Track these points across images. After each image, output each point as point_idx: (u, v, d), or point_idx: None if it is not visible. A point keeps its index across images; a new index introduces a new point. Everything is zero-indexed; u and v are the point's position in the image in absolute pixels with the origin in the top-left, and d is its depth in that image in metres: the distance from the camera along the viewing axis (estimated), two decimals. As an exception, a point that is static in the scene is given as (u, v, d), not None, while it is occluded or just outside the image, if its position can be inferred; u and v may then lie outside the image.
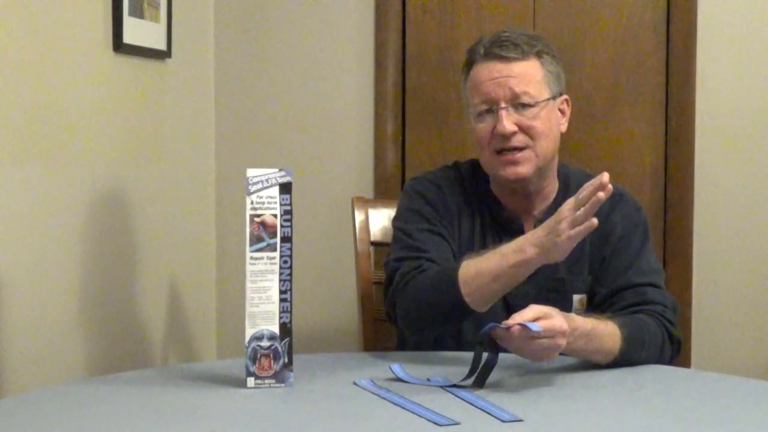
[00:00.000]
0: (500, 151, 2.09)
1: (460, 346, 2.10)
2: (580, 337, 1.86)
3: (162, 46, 2.87)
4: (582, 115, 3.07)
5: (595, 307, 2.09)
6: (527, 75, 2.09)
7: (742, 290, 3.05)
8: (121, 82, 2.71)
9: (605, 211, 2.15)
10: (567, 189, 2.16)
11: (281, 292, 1.78)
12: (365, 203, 2.53)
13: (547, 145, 2.10)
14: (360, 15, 3.17)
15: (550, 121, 2.11)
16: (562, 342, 1.80)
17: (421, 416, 1.60)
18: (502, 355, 1.81)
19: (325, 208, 3.20)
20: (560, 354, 1.83)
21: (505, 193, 2.17)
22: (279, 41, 3.22)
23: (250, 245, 1.77)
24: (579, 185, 2.17)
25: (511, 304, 2.09)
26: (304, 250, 2.96)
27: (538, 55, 2.11)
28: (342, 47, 3.20)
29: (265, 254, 1.77)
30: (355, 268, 2.51)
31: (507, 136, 2.07)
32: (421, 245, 2.10)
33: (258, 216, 1.77)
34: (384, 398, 1.71)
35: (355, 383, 1.81)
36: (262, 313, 1.77)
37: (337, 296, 3.21)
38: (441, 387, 1.78)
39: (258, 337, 1.77)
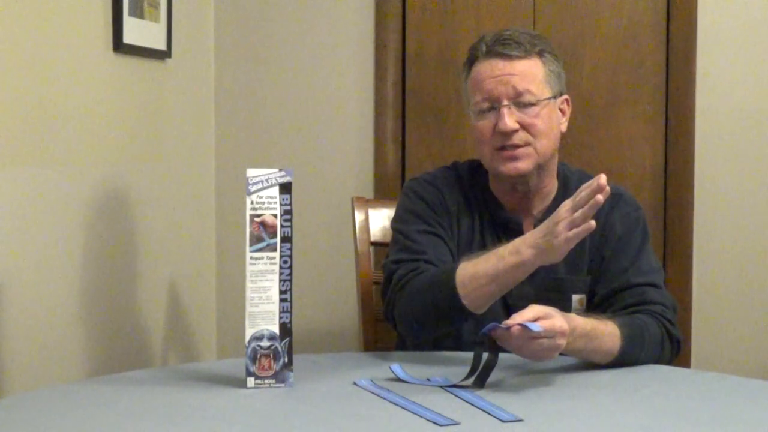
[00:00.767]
0: (500, 148, 2.09)
1: (459, 347, 2.10)
2: (580, 337, 1.86)
3: (162, 46, 2.87)
4: (582, 115, 3.07)
5: (594, 307, 2.09)
6: (529, 73, 2.09)
7: (742, 290, 3.05)
8: (121, 82, 2.71)
9: (604, 211, 2.15)
10: (566, 189, 2.16)
11: (281, 292, 1.78)
12: (365, 203, 2.53)
13: (548, 143, 2.11)
14: (360, 15, 3.17)
15: (551, 119, 2.11)
16: (562, 342, 1.80)
17: (421, 416, 1.60)
18: (502, 355, 1.81)
19: (325, 208, 3.20)
20: (560, 354, 1.83)
21: (504, 193, 2.17)
22: (279, 41, 3.22)
23: (250, 245, 1.77)
24: (578, 185, 2.17)
25: (510, 304, 2.09)
26: (304, 250, 2.97)
27: (540, 54, 2.11)
28: (342, 47, 3.20)
29: (265, 254, 1.77)
30: (355, 268, 2.51)
31: (508, 134, 2.07)
32: (418, 247, 2.10)
33: (258, 216, 1.77)
34: (384, 398, 1.71)
35: (355, 383, 1.80)
36: (262, 313, 1.77)
37: (337, 296, 3.20)
38: (441, 387, 1.78)
39: (258, 337, 1.77)
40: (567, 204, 1.87)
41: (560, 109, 2.16)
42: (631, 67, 3.09)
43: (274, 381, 1.77)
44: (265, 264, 1.77)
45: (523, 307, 1.83)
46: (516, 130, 2.07)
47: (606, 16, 3.10)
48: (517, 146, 2.08)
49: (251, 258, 1.77)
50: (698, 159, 3.05)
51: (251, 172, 1.78)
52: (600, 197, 1.82)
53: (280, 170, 1.79)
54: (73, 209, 2.49)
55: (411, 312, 2.05)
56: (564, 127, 2.17)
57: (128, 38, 2.66)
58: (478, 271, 1.95)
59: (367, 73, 3.18)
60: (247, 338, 1.77)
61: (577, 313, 1.94)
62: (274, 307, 1.77)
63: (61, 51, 2.43)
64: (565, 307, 1.94)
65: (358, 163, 3.20)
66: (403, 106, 3.19)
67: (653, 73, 3.08)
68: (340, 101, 3.21)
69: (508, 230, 2.13)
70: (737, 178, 3.04)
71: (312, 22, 3.20)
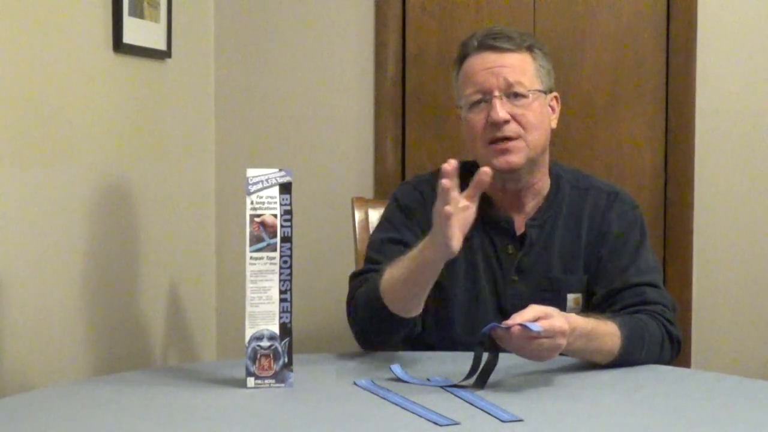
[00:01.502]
0: (492, 142, 2.09)
1: (455, 348, 2.09)
2: (580, 337, 1.86)
3: (162, 46, 2.87)
4: (582, 115, 3.08)
5: (594, 307, 2.09)
6: (520, 66, 2.10)
7: (742, 290, 3.05)
8: (121, 82, 2.71)
9: (601, 210, 2.15)
10: (559, 187, 2.16)
11: (281, 292, 1.78)
12: (365, 203, 2.54)
13: (539, 136, 2.11)
14: (360, 15, 3.17)
15: (542, 113, 2.12)
16: (563, 342, 1.80)
17: (421, 416, 1.60)
18: (502, 355, 1.81)
19: (325, 208, 3.20)
20: (560, 354, 1.83)
21: (495, 191, 2.16)
22: (279, 41, 3.22)
23: (250, 245, 1.77)
24: (571, 184, 2.18)
25: (504, 303, 2.09)
26: (304, 250, 2.96)
27: (530, 49, 2.13)
28: (342, 47, 3.20)
29: (265, 254, 1.77)
30: (355, 268, 2.51)
31: (500, 125, 2.07)
32: (377, 257, 2.11)
33: (258, 216, 1.77)
34: (384, 398, 1.71)
35: (355, 383, 1.80)
36: (262, 313, 1.77)
37: (337, 296, 3.19)
38: (441, 387, 1.78)
39: (258, 337, 1.77)
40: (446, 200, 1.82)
41: (550, 106, 2.16)
42: (631, 67, 3.09)
43: (274, 381, 1.77)
44: (265, 264, 1.77)
45: (517, 307, 1.82)
46: (507, 121, 2.07)
47: (606, 16, 3.10)
48: (509, 138, 2.08)
49: (251, 258, 1.77)
50: (698, 159, 3.05)
51: (251, 172, 1.78)
52: (478, 178, 1.81)
53: (280, 170, 1.79)
54: (73, 209, 2.49)
55: (359, 325, 2.06)
56: (554, 124, 2.17)
57: (128, 38, 2.66)
58: (394, 276, 1.94)
59: (367, 73, 3.18)
60: (247, 338, 1.77)
61: (573, 313, 1.94)
62: (274, 307, 1.77)
63: (61, 51, 2.43)
64: (560, 306, 1.93)
65: (358, 163, 3.20)
66: (403, 106, 3.19)
67: (653, 73, 3.08)
68: (340, 101, 3.21)
69: (500, 229, 2.13)
70: (737, 178, 3.04)
71: (312, 22, 3.20)
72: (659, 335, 2.01)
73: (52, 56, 2.40)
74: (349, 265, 2.72)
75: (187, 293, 3.12)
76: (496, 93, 2.08)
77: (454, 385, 1.78)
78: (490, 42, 2.10)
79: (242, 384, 1.77)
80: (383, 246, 2.13)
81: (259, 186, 1.78)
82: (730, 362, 3.03)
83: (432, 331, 2.15)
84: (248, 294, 1.77)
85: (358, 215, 2.50)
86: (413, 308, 1.96)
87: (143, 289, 2.84)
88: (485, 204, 2.17)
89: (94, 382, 1.92)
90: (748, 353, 3.04)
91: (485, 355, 1.80)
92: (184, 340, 3.13)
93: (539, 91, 2.11)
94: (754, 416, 1.66)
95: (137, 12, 2.71)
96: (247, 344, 1.77)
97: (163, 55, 2.89)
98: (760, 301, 3.04)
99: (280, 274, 1.78)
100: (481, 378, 1.78)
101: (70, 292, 2.49)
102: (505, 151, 2.08)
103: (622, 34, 3.09)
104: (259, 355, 1.77)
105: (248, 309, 1.77)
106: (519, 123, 2.08)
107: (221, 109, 3.26)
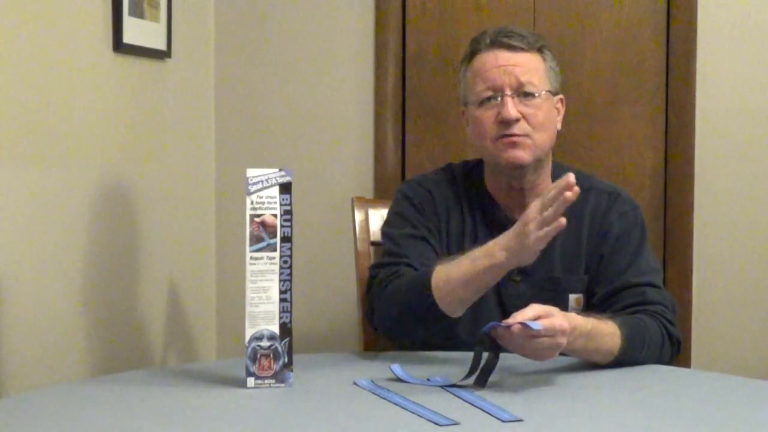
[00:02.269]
0: (501, 137, 2.10)
1: (456, 347, 2.09)
2: (580, 336, 1.86)
3: (162, 46, 2.87)
4: (582, 115, 3.08)
5: (594, 307, 2.09)
6: (532, 66, 2.11)
7: (742, 290, 3.05)
8: (121, 82, 2.71)
9: (602, 211, 2.16)
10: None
11: (281, 292, 1.78)
12: (365, 203, 2.53)
13: (546, 137, 2.12)
14: (360, 15, 3.17)
15: (550, 114, 2.13)
16: (563, 341, 1.80)
17: (421, 416, 1.60)
18: (502, 355, 1.81)
19: (325, 208, 3.20)
20: (560, 353, 1.83)
21: (500, 190, 2.17)
22: (279, 41, 3.22)
23: (250, 245, 1.77)
24: None
25: (506, 303, 2.09)
26: (304, 250, 2.96)
27: (541, 50, 2.14)
28: (342, 47, 3.20)
29: (265, 254, 1.77)
30: (355, 268, 2.51)
31: (510, 123, 2.08)
32: (400, 250, 2.12)
33: (258, 216, 1.77)
34: (384, 398, 1.71)
35: (355, 383, 1.81)
36: (262, 313, 1.77)
37: (337, 296, 3.20)
38: (441, 387, 1.78)
39: (258, 337, 1.77)
40: (536, 204, 1.86)
41: (556, 108, 2.17)
42: (631, 67, 3.09)
43: (274, 381, 1.77)
44: (265, 264, 1.77)
45: (519, 306, 1.83)
46: (518, 119, 2.08)
47: (606, 16, 3.10)
48: (517, 135, 2.09)
49: (251, 258, 1.77)
50: (698, 159, 3.05)
51: (251, 172, 1.78)
52: (569, 194, 1.81)
53: (280, 170, 1.79)
54: (73, 209, 2.49)
55: (389, 315, 2.06)
56: (559, 126, 2.18)
57: (128, 38, 2.66)
58: (452, 275, 1.96)
59: (367, 73, 3.18)
60: (247, 338, 1.77)
61: (575, 313, 1.94)
62: (274, 307, 1.77)
63: (61, 51, 2.43)
64: (561, 306, 1.94)
65: (358, 163, 3.20)
66: (403, 106, 3.19)
67: (653, 73, 3.08)
68: (340, 101, 3.21)
69: (504, 229, 2.13)
70: (737, 178, 3.04)
71: (312, 22, 3.20)
72: (659, 335, 2.01)
73: (52, 56, 2.40)
74: (350, 265, 2.72)
75: (187, 293, 3.12)
76: (508, 91, 2.09)
77: (454, 385, 1.78)
78: (504, 40, 2.11)
79: (242, 384, 1.77)
80: (405, 241, 2.13)
81: (259, 186, 1.78)
82: (730, 362, 3.03)
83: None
84: (248, 294, 1.77)
85: (358, 215, 2.50)
86: (463, 307, 1.99)
87: (143, 289, 2.84)
88: (489, 204, 2.18)
89: (94, 382, 1.92)
90: (748, 353, 3.04)
91: (485, 355, 1.80)
92: (184, 340, 3.13)
93: (548, 92, 2.12)
94: (754, 416, 1.66)
95: (137, 12, 2.71)
96: (247, 344, 1.77)
97: (163, 55, 2.89)
98: (760, 301, 3.04)
99: (280, 274, 1.78)
100: (481, 378, 1.78)
101: (71, 292, 2.49)
102: (514, 146, 2.09)
103: (622, 34, 3.09)
104: (259, 355, 1.77)
105: (248, 309, 1.77)
106: (528, 122, 2.09)
107: (221, 109, 3.26)
